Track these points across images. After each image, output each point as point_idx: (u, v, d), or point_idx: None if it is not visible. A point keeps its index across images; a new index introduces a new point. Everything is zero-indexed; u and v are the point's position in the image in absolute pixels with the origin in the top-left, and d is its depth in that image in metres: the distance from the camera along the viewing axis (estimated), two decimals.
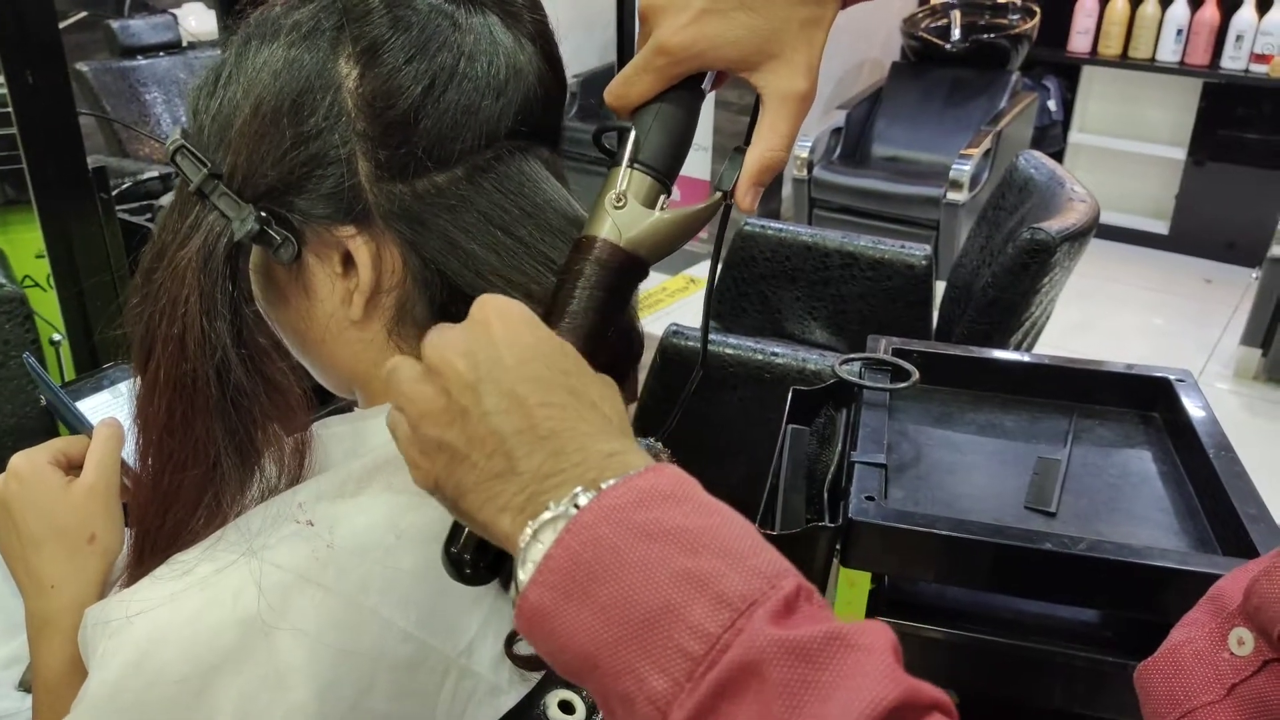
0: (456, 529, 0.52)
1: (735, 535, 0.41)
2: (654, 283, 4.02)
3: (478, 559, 0.52)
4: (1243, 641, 0.55)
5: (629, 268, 0.56)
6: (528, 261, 0.59)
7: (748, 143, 0.58)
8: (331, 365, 0.65)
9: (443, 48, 0.57)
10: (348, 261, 0.59)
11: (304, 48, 0.57)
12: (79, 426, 0.77)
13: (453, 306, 0.61)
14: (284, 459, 0.61)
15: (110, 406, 0.79)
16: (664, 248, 0.57)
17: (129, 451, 0.71)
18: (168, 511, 0.60)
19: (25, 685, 0.93)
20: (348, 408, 0.69)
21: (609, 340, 0.57)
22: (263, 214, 0.57)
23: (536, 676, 0.68)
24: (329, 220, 0.58)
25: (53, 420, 1.56)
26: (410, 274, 0.59)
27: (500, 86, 0.58)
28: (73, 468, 0.69)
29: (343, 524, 0.59)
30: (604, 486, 0.43)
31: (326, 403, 0.73)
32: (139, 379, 0.60)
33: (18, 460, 0.69)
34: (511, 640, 0.62)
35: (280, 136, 0.56)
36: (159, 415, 0.59)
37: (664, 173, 0.57)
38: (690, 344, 1.93)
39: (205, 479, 0.59)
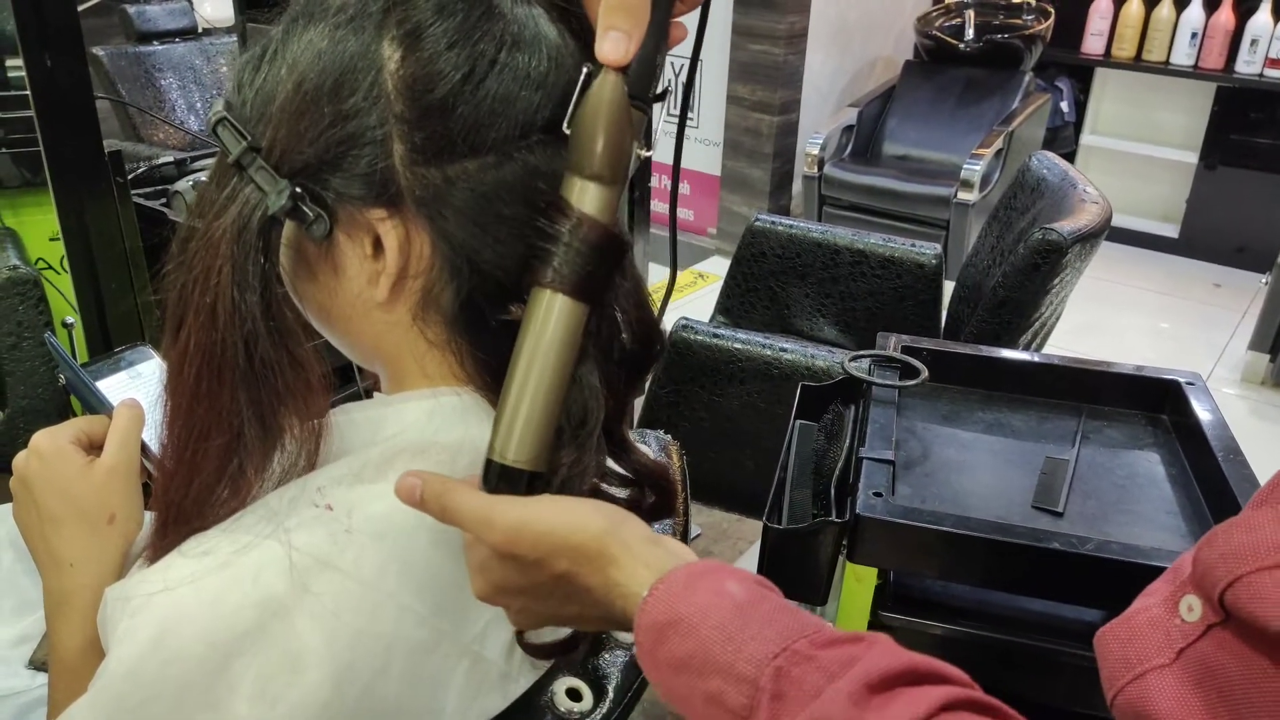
0: (489, 464, 0.56)
1: (721, 645, 0.50)
2: (662, 277, 4.02)
3: (512, 489, 0.56)
4: (1191, 608, 0.56)
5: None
6: None
7: None
8: (356, 341, 0.66)
9: (485, 36, 0.57)
10: (378, 244, 0.59)
11: (349, 29, 0.57)
12: (99, 407, 0.76)
13: (478, 300, 0.61)
14: (302, 438, 0.62)
15: (129, 388, 0.79)
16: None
17: (151, 431, 0.71)
18: (192, 481, 0.60)
19: (35, 664, 0.93)
20: (364, 395, 0.70)
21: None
22: (297, 190, 0.57)
23: (546, 664, 0.68)
24: (361, 201, 0.58)
25: (68, 401, 1.56)
26: (439, 262, 0.60)
27: (540, 78, 0.58)
28: (94, 447, 0.69)
29: (361, 509, 0.59)
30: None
31: (345, 385, 0.73)
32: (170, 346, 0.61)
33: (40, 439, 0.69)
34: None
35: (319, 114, 0.57)
36: (187, 382, 0.59)
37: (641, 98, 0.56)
38: (699, 337, 1.94)
39: (229, 448, 0.59)
